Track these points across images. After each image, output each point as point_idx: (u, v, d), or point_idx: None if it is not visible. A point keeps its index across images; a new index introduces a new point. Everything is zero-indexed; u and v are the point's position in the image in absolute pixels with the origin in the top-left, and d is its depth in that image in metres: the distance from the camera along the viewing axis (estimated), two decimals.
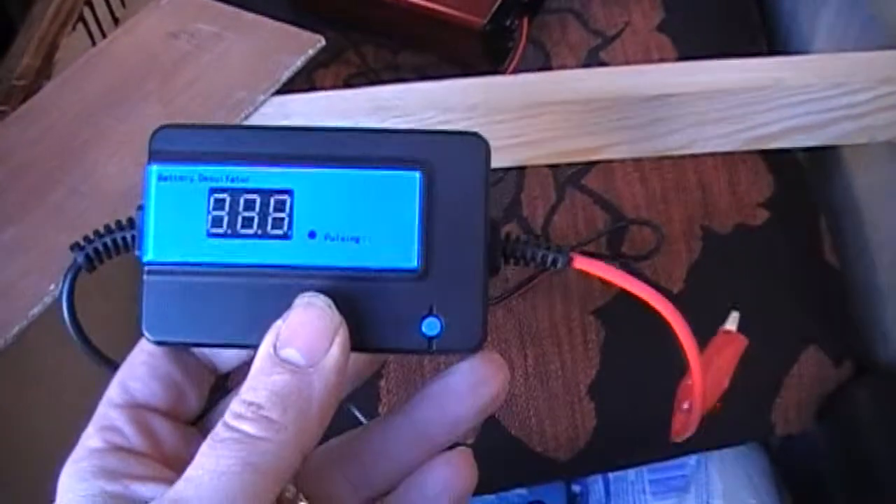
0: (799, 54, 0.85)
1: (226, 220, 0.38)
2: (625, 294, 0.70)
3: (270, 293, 0.38)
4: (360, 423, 0.45)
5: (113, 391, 0.39)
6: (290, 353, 0.35)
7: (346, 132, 0.39)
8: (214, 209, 0.38)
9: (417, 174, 0.38)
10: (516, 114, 0.60)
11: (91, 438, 0.38)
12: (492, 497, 0.78)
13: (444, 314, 0.38)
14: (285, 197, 0.38)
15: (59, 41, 0.69)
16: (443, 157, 0.38)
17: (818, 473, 0.74)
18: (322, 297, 0.37)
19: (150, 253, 0.38)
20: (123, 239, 0.39)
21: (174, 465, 0.38)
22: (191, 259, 0.38)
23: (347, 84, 0.83)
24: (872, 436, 0.68)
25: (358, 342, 0.37)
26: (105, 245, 0.39)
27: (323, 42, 0.66)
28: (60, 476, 0.37)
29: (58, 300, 0.40)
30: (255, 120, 0.61)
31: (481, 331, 0.39)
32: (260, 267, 0.38)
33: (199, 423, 0.42)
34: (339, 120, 0.59)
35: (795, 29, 0.88)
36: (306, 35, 0.67)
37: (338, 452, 0.43)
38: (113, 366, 0.40)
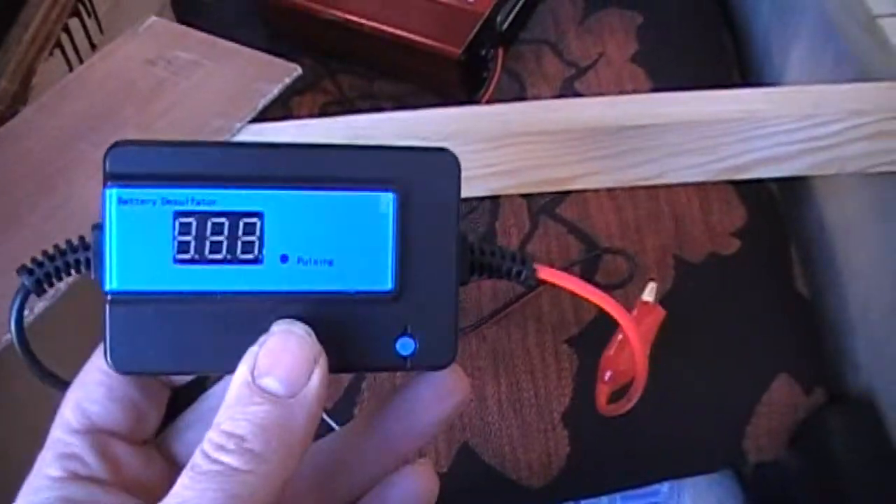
0: (772, 86, 0.86)
1: (193, 245, 0.36)
2: (597, 323, 0.72)
3: (243, 320, 0.36)
4: (331, 430, 0.45)
5: (69, 414, 0.38)
6: (269, 382, 0.34)
7: (315, 149, 0.38)
8: (180, 234, 0.36)
9: (391, 195, 0.37)
10: (491, 143, 0.60)
11: (50, 467, 0.37)
12: None
13: (418, 333, 0.38)
14: (255, 220, 0.36)
15: (37, 66, 0.69)
16: (415, 174, 0.38)
17: (791, 501, 0.74)
18: (301, 324, 0.36)
19: (114, 282, 0.36)
20: (76, 261, 0.37)
21: (135, 490, 0.38)
22: (157, 287, 0.36)
23: (323, 112, 0.83)
24: (844, 463, 0.69)
25: (333, 364, 0.37)
26: (56, 268, 0.38)
27: (300, 71, 0.66)
28: None
29: (7, 323, 0.38)
30: None
31: (453, 348, 0.39)
32: (231, 294, 0.36)
33: (155, 439, 0.41)
34: None
35: (769, 61, 0.89)
36: (283, 64, 0.67)
37: (303, 464, 0.43)
38: (65, 386, 0.39)
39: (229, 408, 0.34)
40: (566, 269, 0.74)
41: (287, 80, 0.65)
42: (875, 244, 0.71)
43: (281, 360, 0.35)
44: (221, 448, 0.33)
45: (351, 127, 0.60)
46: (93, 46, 0.78)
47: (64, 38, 0.74)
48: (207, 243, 0.36)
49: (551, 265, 0.42)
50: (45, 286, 0.38)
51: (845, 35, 0.73)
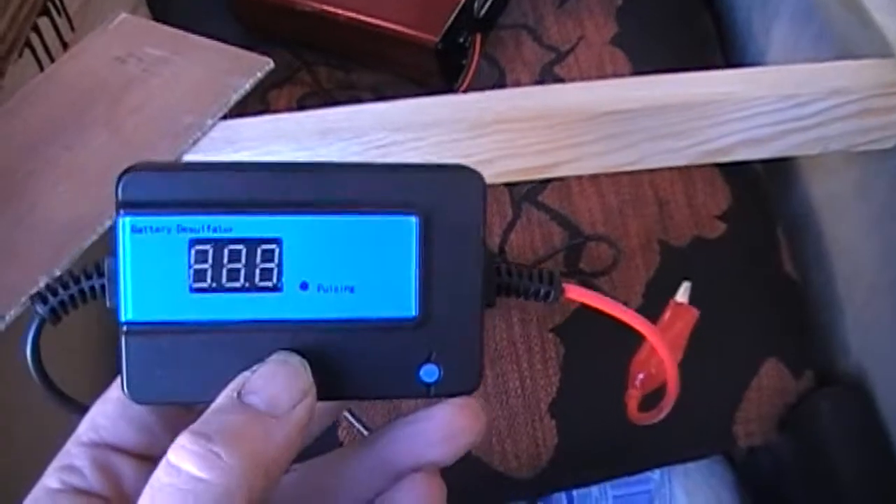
0: (754, 65, 0.85)
1: (209, 273, 0.35)
2: (582, 311, 0.71)
3: (262, 350, 0.35)
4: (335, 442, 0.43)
5: (81, 427, 0.37)
6: (253, 399, 0.33)
7: (334, 169, 0.37)
8: (196, 262, 0.35)
9: (414, 219, 0.36)
10: (467, 133, 0.59)
11: (50, 477, 0.36)
12: None
13: (442, 360, 0.37)
14: (273, 246, 0.35)
15: (5, 69, 0.68)
16: (438, 195, 0.36)
17: (782, 485, 0.73)
18: (297, 357, 0.35)
19: (129, 312, 0.35)
20: (91, 288, 0.36)
21: None
22: (173, 317, 0.35)
23: (301, 105, 0.82)
24: (834, 447, 0.68)
25: (353, 392, 0.36)
26: (71, 296, 0.36)
27: (272, 64, 0.65)
28: None
29: (23, 356, 0.37)
30: (204, 144, 0.60)
31: (478, 373, 0.38)
32: (249, 323, 0.35)
33: None
34: (288, 143, 0.59)
35: (751, 40, 0.88)
36: (255, 57, 0.66)
37: (296, 482, 0.41)
38: (84, 411, 0.38)
39: (205, 414, 0.33)
40: (550, 257, 0.73)
41: (259, 74, 0.64)
42: (861, 222, 0.71)
43: (270, 383, 0.34)
44: (183, 448, 0.32)
45: (324, 120, 0.59)
46: (64, 45, 0.76)
47: (34, 38, 0.73)
48: (224, 271, 0.35)
49: (575, 282, 0.40)
50: (61, 314, 0.37)
51: (826, 12, 0.72)
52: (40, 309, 0.36)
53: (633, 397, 0.57)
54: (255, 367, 0.34)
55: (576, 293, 0.40)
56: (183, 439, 0.32)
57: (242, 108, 0.65)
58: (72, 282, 0.37)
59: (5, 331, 0.53)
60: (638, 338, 0.42)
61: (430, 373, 0.37)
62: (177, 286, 0.35)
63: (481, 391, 0.69)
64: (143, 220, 0.35)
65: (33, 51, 0.72)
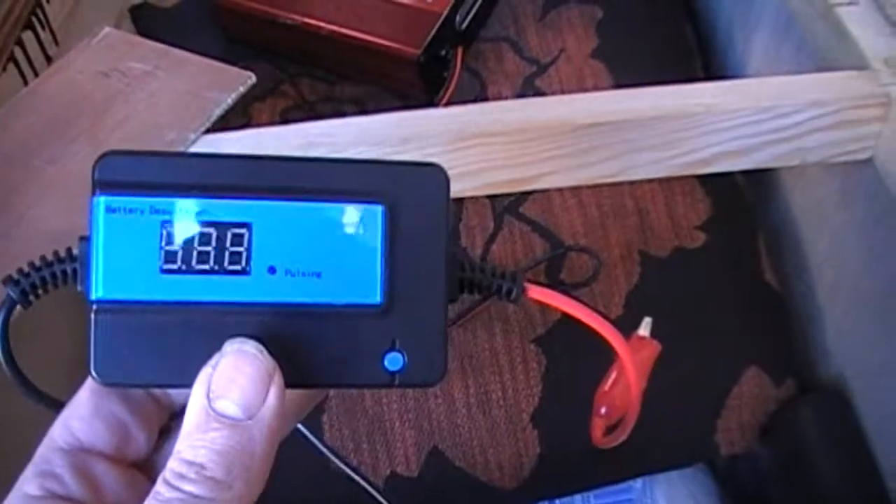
0: (735, 77, 0.86)
1: (180, 254, 0.36)
2: (564, 322, 0.71)
3: (229, 331, 0.36)
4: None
5: (56, 430, 0.38)
6: (226, 405, 0.34)
7: (305, 162, 0.38)
8: (167, 244, 0.36)
9: (380, 208, 0.37)
10: (447, 146, 0.60)
11: (29, 484, 0.36)
12: None
13: (407, 349, 0.38)
14: (243, 231, 0.36)
15: None
16: (404, 188, 0.38)
17: (764, 493, 0.74)
18: (252, 342, 0.36)
19: (99, 290, 0.36)
20: (63, 272, 0.37)
21: None
22: (143, 297, 0.36)
23: (284, 117, 0.83)
24: (816, 454, 0.69)
25: (320, 379, 0.37)
26: (42, 279, 0.37)
27: (253, 79, 0.66)
28: None
29: None
30: None
31: (443, 364, 0.38)
32: (217, 304, 0.36)
33: (145, 464, 0.40)
34: None
35: (731, 52, 0.88)
36: (237, 71, 0.66)
37: None
38: (57, 405, 0.38)
39: (189, 435, 0.34)
40: (531, 268, 0.73)
41: (241, 89, 0.65)
42: (841, 232, 0.71)
43: (235, 381, 0.34)
44: (182, 477, 0.33)
45: (306, 135, 0.60)
46: (48, 59, 0.77)
47: (17, 51, 0.73)
48: (195, 253, 0.36)
49: (541, 283, 0.41)
50: (31, 297, 0.37)
51: (804, 25, 0.72)
52: (12, 292, 0.37)
53: (598, 426, 0.58)
54: (214, 361, 0.35)
55: (539, 293, 0.40)
56: (178, 467, 0.33)
57: (225, 122, 0.65)
58: (44, 265, 0.37)
59: None
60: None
61: (394, 361, 0.38)
62: (147, 266, 0.36)
63: (464, 401, 0.70)
64: (118, 201, 0.36)
65: (17, 65, 0.73)
